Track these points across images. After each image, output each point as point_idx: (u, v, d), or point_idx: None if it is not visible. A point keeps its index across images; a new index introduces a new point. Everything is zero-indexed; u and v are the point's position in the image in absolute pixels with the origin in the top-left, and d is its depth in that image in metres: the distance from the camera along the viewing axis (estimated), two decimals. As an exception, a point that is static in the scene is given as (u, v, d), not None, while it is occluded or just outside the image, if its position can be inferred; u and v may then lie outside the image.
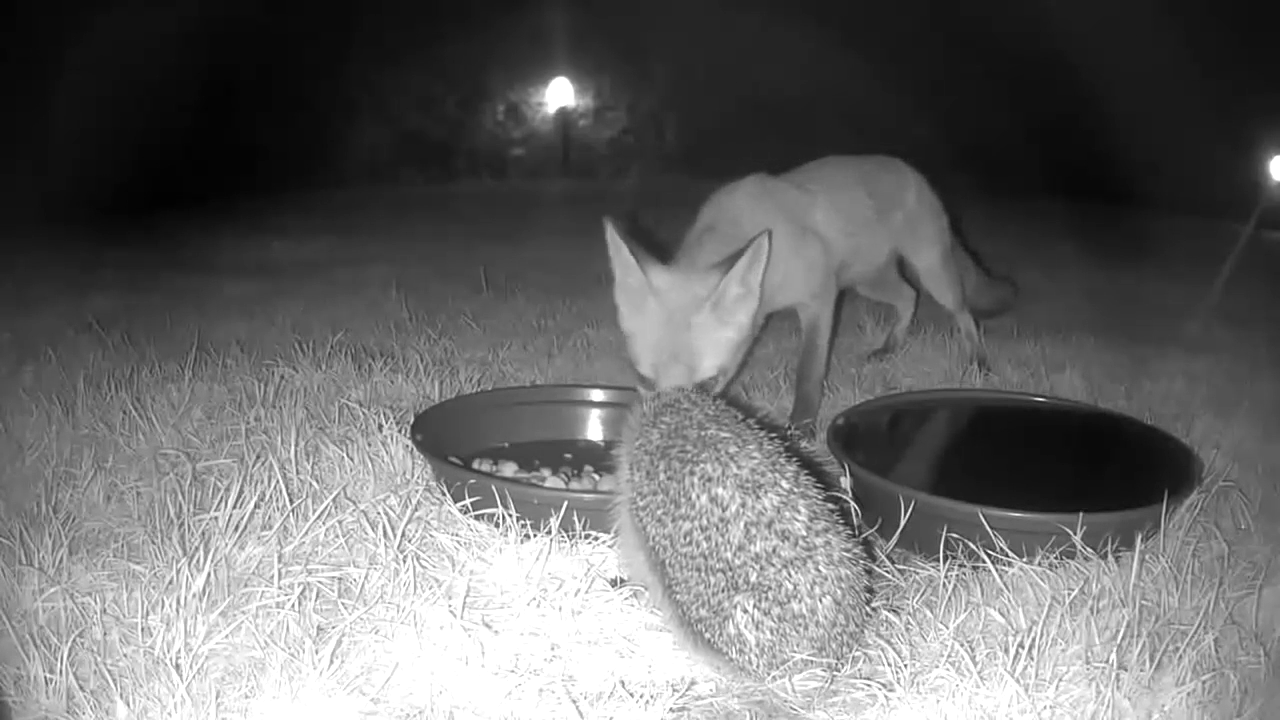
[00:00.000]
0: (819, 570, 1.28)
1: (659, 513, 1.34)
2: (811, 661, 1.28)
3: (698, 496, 1.31)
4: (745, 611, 1.27)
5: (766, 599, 1.26)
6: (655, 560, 1.35)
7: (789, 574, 1.27)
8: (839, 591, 1.29)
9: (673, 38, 7.86)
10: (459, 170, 8.64)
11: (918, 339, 3.03)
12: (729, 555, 1.28)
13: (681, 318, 1.89)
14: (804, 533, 1.29)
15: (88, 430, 2.09)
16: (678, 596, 1.31)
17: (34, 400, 2.22)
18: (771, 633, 1.27)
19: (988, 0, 6.96)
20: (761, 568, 1.27)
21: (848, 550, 1.32)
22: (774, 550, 1.27)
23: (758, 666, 1.28)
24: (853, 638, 1.33)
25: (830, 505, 1.36)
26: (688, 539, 1.30)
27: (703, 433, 1.37)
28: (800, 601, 1.27)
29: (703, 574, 1.29)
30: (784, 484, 1.32)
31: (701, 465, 1.33)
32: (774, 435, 1.42)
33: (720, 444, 1.35)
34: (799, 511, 1.30)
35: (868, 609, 1.37)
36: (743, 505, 1.29)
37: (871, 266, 2.64)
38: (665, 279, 1.92)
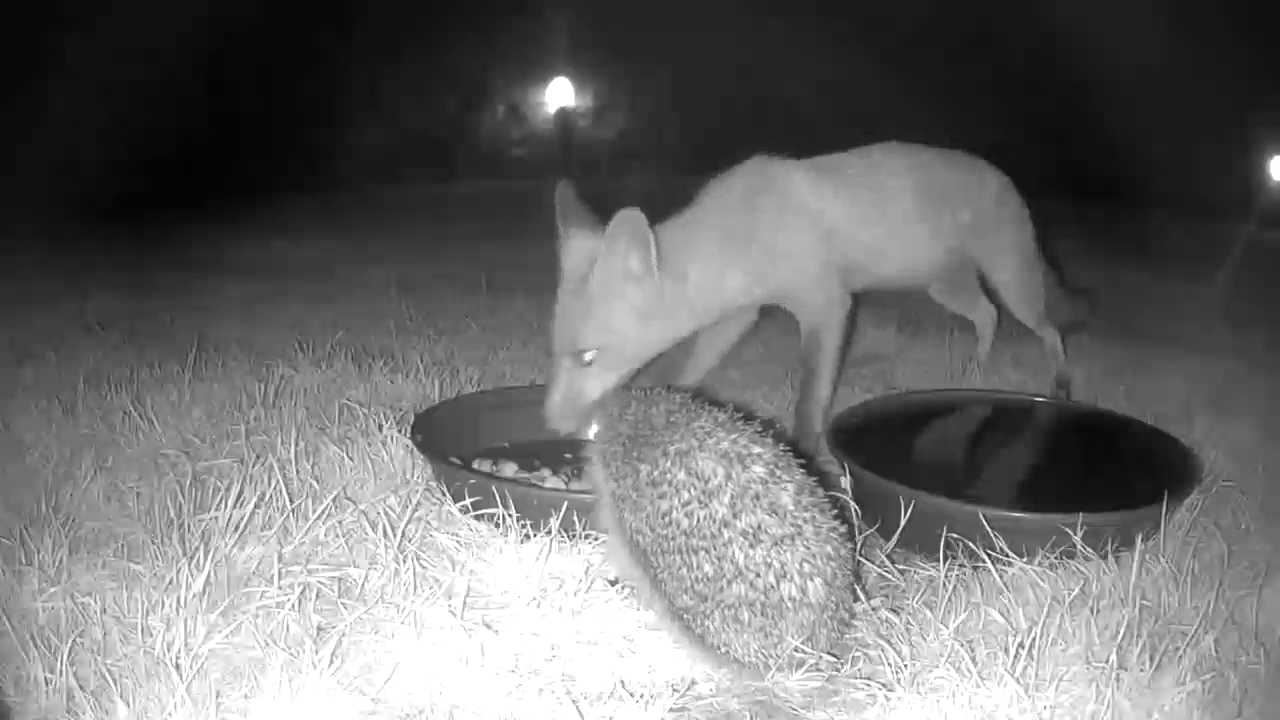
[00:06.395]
0: (808, 548, 1.25)
1: (634, 495, 1.31)
2: (804, 650, 1.27)
3: (675, 473, 1.28)
4: (729, 607, 1.25)
5: (754, 588, 1.24)
6: (638, 551, 1.32)
7: (777, 553, 1.24)
8: (829, 570, 1.26)
9: (673, 38, 7.86)
10: (459, 170, 8.65)
11: (917, 340, 3.03)
12: (713, 531, 1.24)
13: (577, 285, 1.84)
14: (792, 506, 1.27)
15: (88, 430, 2.09)
16: (664, 586, 1.29)
17: (34, 400, 2.23)
18: (760, 614, 1.24)
19: (990, 1, 6.97)
20: (750, 545, 1.24)
21: (835, 529, 1.30)
22: (760, 526, 1.24)
23: (751, 654, 1.26)
24: (843, 624, 1.32)
25: (814, 481, 1.34)
26: (666, 520, 1.27)
27: (671, 418, 1.36)
28: (790, 581, 1.24)
29: (685, 556, 1.26)
30: (768, 455, 1.31)
31: (676, 444, 1.31)
32: (756, 424, 1.40)
33: (691, 423, 1.34)
34: (786, 485, 1.28)
35: (858, 592, 1.37)
36: (728, 476, 1.26)
37: (916, 267, 2.37)
38: (585, 246, 1.87)
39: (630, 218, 1.77)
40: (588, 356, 1.84)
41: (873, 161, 2.27)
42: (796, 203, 2.10)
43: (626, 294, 1.83)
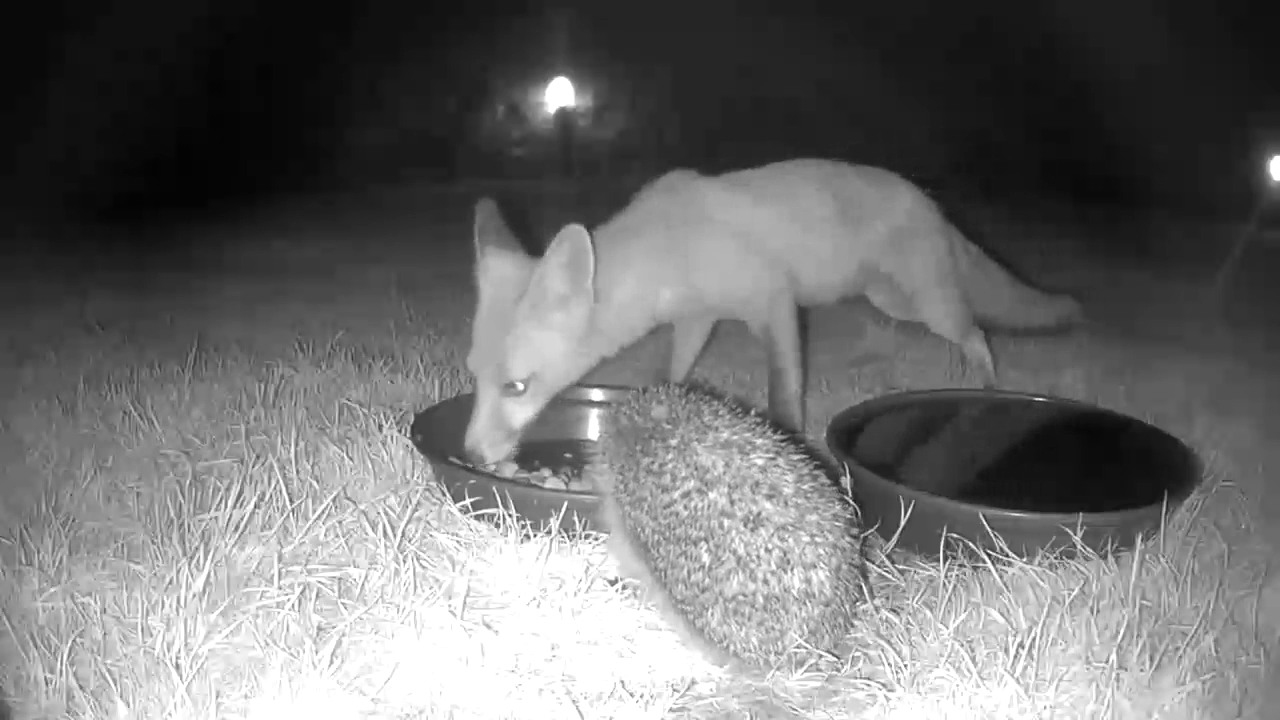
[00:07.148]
0: (811, 537, 1.25)
1: (633, 487, 1.33)
2: (804, 648, 1.26)
3: (676, 464, 1.29)
4: (729, 600, 1.25)
5: (754, 579, 1.24)
6: (639, 544, 1.33)
7: (779, 539, 1.24)
8: (834, 561, 1.26)
9: (673, 38, 7.85)
10: (459, 170, 8.63)
11: (916, 340, 3.03)
12: (713, 520, 1.25)
13: (502, 310, 1.81)
14: (792, 493, 1.27)
15: (88, 430, 2.09)
16: (664, 579, 1.30)
17: (34, 400, 2.23)
18: (762, 608, 1.24)
19: (990, 1, 6.97)
20: (751, 531, 1.24)
21: (839, 518, 1.31)
22: (760, 512, 1.25)
23: (752, 649, 1.26)
24: (846, 620, 1.32)
25: (818, 469, 1.35)
26: (668, 510, 1.28)
27: (672, 412, 1.37)
28: (792, 571, 1.24)
29: (685, 546, 1.26)
30: (768, 445, 1.31)
31: (677, 436, 1.32)
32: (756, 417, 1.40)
33: (694, 416, 1.34)
34: (786, 473, 1.29)
35: (861, 586, 1.37)
36: (727, 465, 1.28)
37: (833, 281, 2.35)
38: (505, 268, 1.85)
39: (574, 236, 1.75)
40: (520, 386, 1.83)
41: (786, 177, 2.31)
42: (711, 217, 2.12)
43: (560, 320, 1.82)
